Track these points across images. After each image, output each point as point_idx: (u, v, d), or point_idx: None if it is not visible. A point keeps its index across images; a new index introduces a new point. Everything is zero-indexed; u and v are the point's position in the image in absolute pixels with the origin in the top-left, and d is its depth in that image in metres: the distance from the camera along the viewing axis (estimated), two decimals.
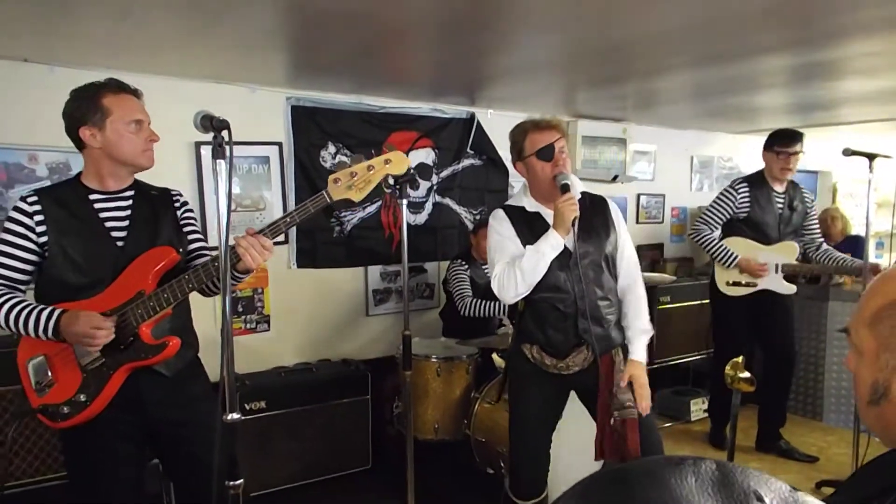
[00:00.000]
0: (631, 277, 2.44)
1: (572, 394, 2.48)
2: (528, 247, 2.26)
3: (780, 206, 3.78)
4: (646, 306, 2.45)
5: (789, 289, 3.76)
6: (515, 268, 2.25)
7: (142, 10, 2.34)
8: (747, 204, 3.75)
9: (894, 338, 0.88)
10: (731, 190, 3.81)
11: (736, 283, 3.79)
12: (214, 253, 2.14)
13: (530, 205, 2.41)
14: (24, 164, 3.12)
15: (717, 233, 3.85)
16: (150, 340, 1.91)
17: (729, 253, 3.74)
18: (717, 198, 3.86)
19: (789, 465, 3.75)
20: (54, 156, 3.15)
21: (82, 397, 1.89)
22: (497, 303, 3.75)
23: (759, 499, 0.45)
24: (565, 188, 2.24)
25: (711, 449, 4.02)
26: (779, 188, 3.78)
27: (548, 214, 2.32)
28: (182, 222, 2.13)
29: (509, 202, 2.51)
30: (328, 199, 1.86)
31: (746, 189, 3.77)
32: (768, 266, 3.71)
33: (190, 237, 2.14)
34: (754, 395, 4.24)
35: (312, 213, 1.86)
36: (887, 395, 0.90)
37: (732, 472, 0.46)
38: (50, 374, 1.92)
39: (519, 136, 2.38)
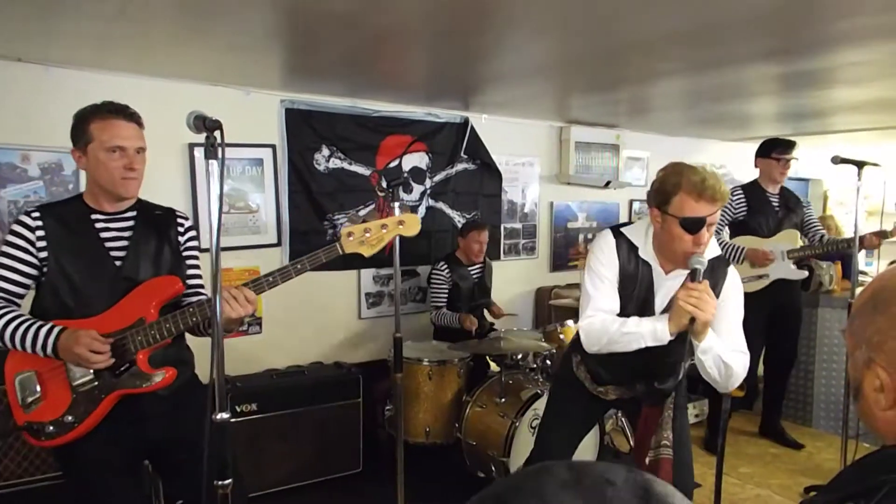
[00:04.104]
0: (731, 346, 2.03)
1: None
2: (629, 322, 2.01)
3: (777, 205, 3.95)
4: (739, 369, 2.02)
5: (800, 274, 3.89)
6: (604, 332, 2.04)
7: (136, 11, 2.34)
8: (744, 206, 3.93)
9: (864, 335, 0.91)
10: None
11: (750, 279, 3.86)
12: (207, 293, 2.12)
13: (645, 251, 2.10)
14: (17, 164, 3.11)
15: (724, 236, 4.02)
16: (147, 369, 1.90)
17: (735, 247, 3.87)
18: None
19: (779, 472, 3.76)
20: (47, 156, 3.15)
21: (69, 418, 1.87)
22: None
23: (611, 482, 0.50)
24: (694, 274, 1.90)
25: (705, 454, 4.02)
26: (773, 190, 3.97)
27: (658, 273, 2.09)
28: (184, 252, 2.09)
29: (625, 230, 2.15)
30: (340, 251, 1.95)
31: (741, 193, 3.96)
32: (774, 253, 3.82)
33: (189, 271, 2.10)
34: (743, 399, 4.56)
35: (324, 261, 1.93)
36: (861, 391, 0.92)
37: (583, 468, 0.52)
38: (39, 390, 1.89)
39: (674, 184, 1.93)
